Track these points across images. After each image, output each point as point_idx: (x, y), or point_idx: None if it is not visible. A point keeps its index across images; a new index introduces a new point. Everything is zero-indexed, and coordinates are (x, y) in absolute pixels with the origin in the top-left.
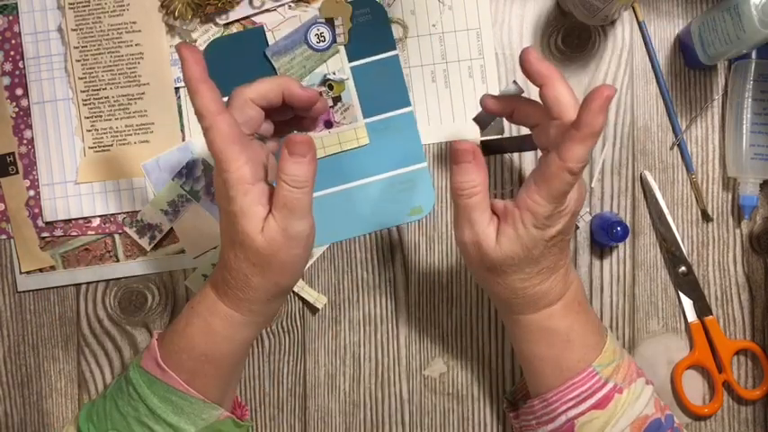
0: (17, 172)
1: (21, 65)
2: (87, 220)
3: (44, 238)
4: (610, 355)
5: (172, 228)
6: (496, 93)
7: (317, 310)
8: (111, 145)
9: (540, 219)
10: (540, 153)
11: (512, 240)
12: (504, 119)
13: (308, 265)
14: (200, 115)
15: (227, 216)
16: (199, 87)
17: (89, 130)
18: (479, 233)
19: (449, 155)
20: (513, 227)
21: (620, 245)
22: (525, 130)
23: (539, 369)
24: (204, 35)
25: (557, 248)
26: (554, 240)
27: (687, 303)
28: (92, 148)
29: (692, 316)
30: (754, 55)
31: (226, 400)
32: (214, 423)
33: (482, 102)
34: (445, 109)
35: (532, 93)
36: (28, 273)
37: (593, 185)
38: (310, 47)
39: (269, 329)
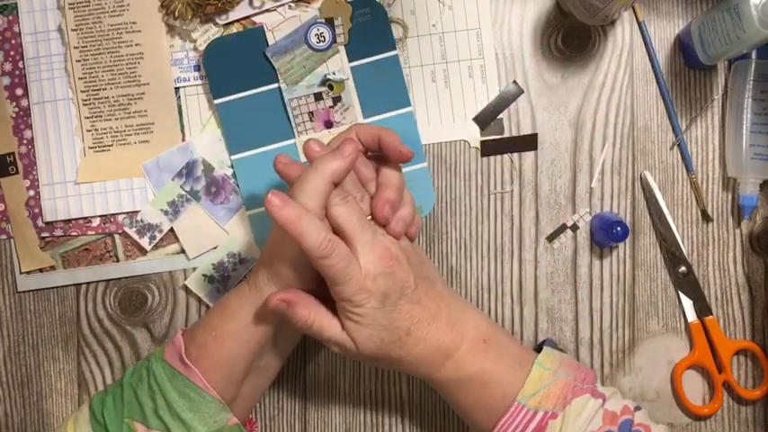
0: (17, 172)
1: (21, 65)
2: (87, 220)
3: (44, 238)
4: (534, 385)
5: (172, 228)
6: (489, 100)
7: None
8: (111, 145)
9: (345, 308)
10: (539, 154)
11: (354, 329)
12: (503, 119)
13: None
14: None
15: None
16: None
17: (89, 130)
18: (340, 340)
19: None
20: (346, 320)
21: (620, 245)
22: (525, 131)
23: (470, 417)
24: (204, 35)
25: (399, 311)
26: (386, 309)
27: (687, 303)
28: (92, 148)
29: (692, 316)
30: (754, 55)
31: (235, 405)
32: (223, 428)
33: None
34: (445, 109)
35: (532, 93)
36: (28, 273)
37: (593, 185)
38: (310, 47)
39: None
